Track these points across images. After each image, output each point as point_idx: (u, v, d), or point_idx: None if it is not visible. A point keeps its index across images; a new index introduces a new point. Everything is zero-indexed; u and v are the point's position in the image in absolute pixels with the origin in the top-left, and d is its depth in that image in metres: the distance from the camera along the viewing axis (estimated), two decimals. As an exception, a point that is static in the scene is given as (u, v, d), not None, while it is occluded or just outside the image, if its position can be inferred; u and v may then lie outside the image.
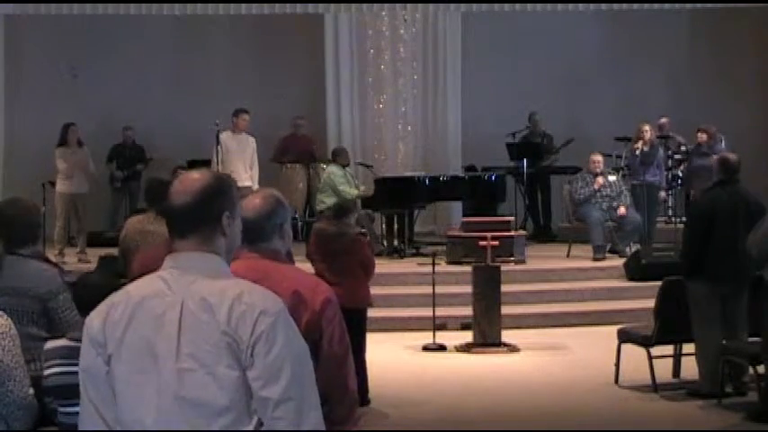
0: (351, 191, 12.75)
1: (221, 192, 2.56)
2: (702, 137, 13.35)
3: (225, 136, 12.82)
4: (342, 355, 3.18)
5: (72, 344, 4.28)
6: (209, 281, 2.46)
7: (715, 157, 9.02)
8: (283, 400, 2.36)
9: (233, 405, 2.37)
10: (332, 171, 12.95)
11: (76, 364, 4.17)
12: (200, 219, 2.52)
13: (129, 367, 2.43)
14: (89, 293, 4.34)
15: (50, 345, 4.37)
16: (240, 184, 11.01)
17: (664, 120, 14.57)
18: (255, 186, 11.98)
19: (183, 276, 2.47)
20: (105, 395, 2.46)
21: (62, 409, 4.28)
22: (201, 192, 2.53)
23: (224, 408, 2.37)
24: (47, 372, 4.29)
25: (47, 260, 5.59)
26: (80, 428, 2.51)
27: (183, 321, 2.41)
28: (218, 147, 12.66)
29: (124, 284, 2.62)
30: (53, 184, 12.89)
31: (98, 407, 2.47)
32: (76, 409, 4.20)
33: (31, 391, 4.21)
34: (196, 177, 2.57)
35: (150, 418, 2.39)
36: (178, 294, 2.44)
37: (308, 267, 7.21)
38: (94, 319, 2.51)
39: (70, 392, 4.23)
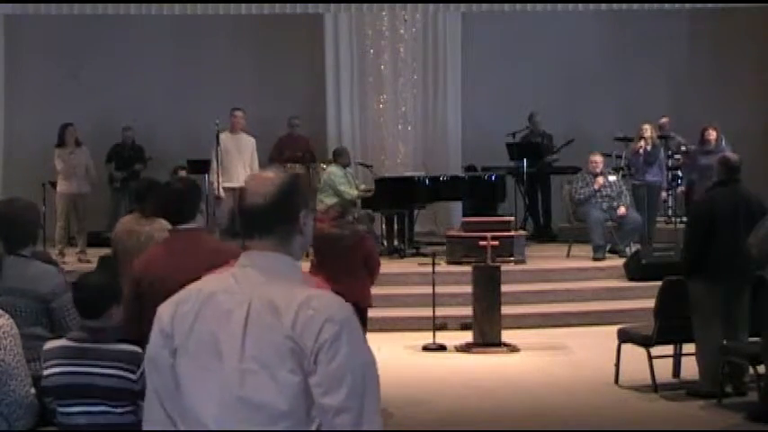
0: (351, 191, 12.74)
1: (297, 190, 2.54)
2: (712, 134, 13.30)
3: (224, 136, 12.84)
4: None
5: (71, 344, 4.28)
6: (279, 283, 2.43)
7: (719, 156, 9.01)
8: (343, 410, 2.33)
9: (292, 410, 2.35)
10: (332, 171, 12.94)
11: (76, 365, 4.22)
12: (277, 219, 2.49)
13: (193, 362, 2.41)
14: (89, 293, 4.34)
15: (50, 345, 4.35)
16: (238, 184, 11.01)
17: (664, 120, 14.57)
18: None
19: (254, 275, 2.45)
20: (168, 386, 2.44)
21: (61, 409, 4.28)
22: (279, 192, 2.49)
23: (283, 412, 2.34)
24: (46, 372, 4.28)
25: (51, 260, 5.59)
26: (144, 417, 2.52)
27: (248, 321, 2.39)
28: (218, 147, 12.66)
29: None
30: (53, 184, 12.90)
31: (160, 396, 2.46)
32: (76, 409, 4.24)
33: (33, 390, 4.21)
34: (270, 177, 2.54)
35: (211, 415, 2.38)
36: (246, 293, 2.42)
37: (306, 266, 7.20)
38: (165, 310, 2.49)
39: (69, 392, 4.23)
